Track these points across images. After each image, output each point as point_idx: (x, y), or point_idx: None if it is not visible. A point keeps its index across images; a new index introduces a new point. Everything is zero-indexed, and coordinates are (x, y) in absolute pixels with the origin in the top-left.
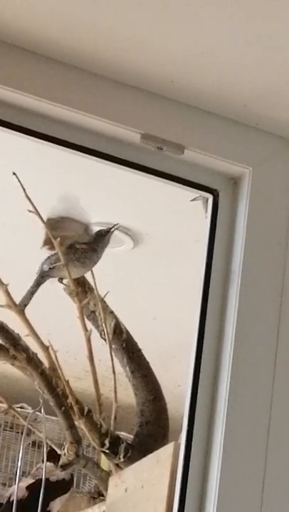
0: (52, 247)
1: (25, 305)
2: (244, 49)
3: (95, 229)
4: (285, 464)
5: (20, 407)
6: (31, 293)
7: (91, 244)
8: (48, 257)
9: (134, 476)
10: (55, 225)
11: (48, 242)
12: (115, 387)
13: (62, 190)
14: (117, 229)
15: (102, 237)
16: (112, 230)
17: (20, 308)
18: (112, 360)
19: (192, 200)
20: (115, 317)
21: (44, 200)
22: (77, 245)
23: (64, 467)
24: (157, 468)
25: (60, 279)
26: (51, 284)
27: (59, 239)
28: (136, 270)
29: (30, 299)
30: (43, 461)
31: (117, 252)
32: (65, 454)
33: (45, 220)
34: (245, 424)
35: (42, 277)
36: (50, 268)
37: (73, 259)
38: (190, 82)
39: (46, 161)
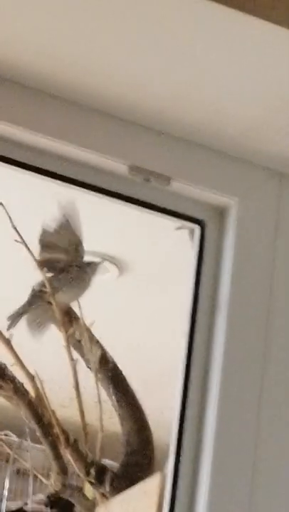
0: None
1: (12, 325)
2: (233, 82)
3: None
4: (273, 492)
5: (5, 435)
6: (20, 313)
7: (82, 268)
8: (42, 280)
9: (121, 506)
10: (48, 242)
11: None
12: (101, 417)
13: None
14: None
15: (90, 266)
16: (98, 264)
17: (7, 338)
18: (97, 389)
19: (178, 229)
20: (101, 346)
21: (30, 230)
22: (69, 268)
23: (50, 498)
24: (144, 499)
25: (49, 303)
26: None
27: (45, 269)
28: (121, 298)
29: (18, 319)
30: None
31: (103, 280)
32: (51, 485)
33: (40, 231)
34: (233, 455)
35: (33, 298)
36: (40, 291)
37: (65, 283)
38: (178, 114)
39: (30, 191)
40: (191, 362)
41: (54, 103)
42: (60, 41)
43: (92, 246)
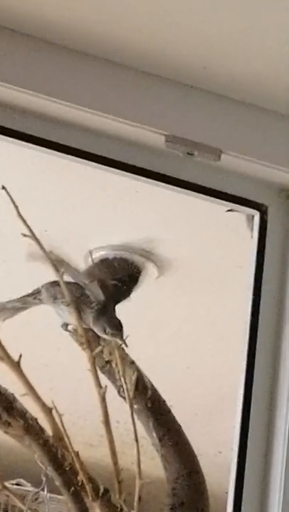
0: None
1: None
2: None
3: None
4: None
5: (17, 484)
6: (15, 309)
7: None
8: (52, 284)
9: None
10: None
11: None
12: (138, 459)
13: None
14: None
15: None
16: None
17: (15, 361)
18: (133, 424)
19: (228, 211)
20: (137, 368)
21: (44, 221)
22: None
23: None
24: None
25: (65, 325)
26: (52, 327)
27: (62, 269)
28: (161, 305)
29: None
30: None
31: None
32: None
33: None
34: None
35: (33, 299)
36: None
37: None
38: (227, 68)
39: (45, 172)
40: (253, 386)
41: (71, 58)
42: None
43: (123, 238)
